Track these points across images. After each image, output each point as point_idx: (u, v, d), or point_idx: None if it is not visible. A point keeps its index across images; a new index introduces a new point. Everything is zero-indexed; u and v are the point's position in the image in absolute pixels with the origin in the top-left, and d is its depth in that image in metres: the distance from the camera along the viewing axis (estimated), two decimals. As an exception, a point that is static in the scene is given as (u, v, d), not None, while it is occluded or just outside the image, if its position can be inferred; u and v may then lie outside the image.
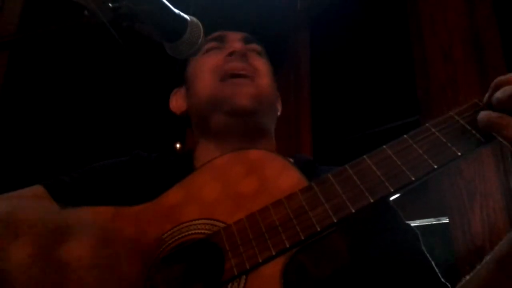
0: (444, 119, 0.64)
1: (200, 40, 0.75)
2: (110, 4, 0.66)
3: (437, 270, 0.79)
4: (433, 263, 0.80)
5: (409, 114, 2.06)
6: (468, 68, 1.86)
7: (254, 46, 1.06)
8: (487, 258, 0.67)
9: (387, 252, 0.79)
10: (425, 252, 0.82)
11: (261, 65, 1.02)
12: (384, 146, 0.65)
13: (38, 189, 0.89)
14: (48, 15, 2.17)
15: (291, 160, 0.97)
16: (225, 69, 0.96)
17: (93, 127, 2.32)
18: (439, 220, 1.82)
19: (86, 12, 0.66)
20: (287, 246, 0.60)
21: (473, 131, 0.61)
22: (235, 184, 0.71)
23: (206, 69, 0.99)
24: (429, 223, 1.83)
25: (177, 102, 1.09)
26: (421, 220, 1.83)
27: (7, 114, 2.11)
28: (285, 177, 0.68)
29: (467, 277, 0.70)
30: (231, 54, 0.98)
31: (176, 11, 0.73)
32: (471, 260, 1.58)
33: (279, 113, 1.12)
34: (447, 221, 1.73)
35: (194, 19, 0.75)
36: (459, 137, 0.61)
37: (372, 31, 2.38)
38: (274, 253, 0.60)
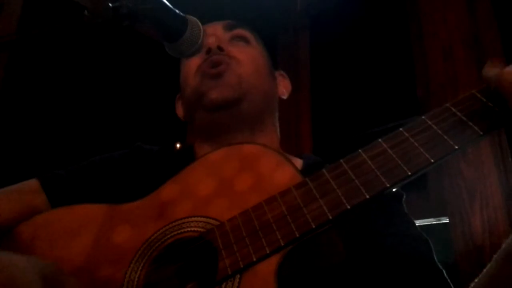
0: (441, 111, 0.63)
1: (200, 40, 0.75)
2: (110, 4, 0.66)
3: (449, 280, 0.76)
4: (444, 272, 0.77)
5: (409, 114, 2.05)
6: (468, 68, 1.86)
7: (239, 31, 1.03)
8: (497, 253, 0.65)
9: (395, 256, 0.77)
10: (436, 261, 0.79)
11: (242, 53, 0.98)
12: (380, 140, 0.63)
13: (33, 184, 0.89)
14: (48, 15, 2.17)
15: (299, 159, 0.97)
16: (203, 68, 0.95)
17: (93, 128, 2.32)
18: (439, 220, 1.82)
19: (86, 12, 0.66)
20: (282, 244, 0.59)
21: (470, 123, 0.59)
22: (229, 180, 0.70)
23: (190, 73, 0.99)
24: (429, 223, 1.83)
25: (179, 108, 1.10)
26: (421, 220, 1.83)
27: (7, 114, 2.11)
28: (280, 173, 0.67)
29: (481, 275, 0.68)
30: (208, 52, 0.95)
31: (176, 11, 0.73)
32: (471, 260, 1.58)
33: (284, 96, 1.09)
34: (447, 221, 1.73)
35: (194, 18, 0.75)
36: (456, 130, 0.60)
37: (372, 31, 2.38)
38: (268, 252, 0.59)
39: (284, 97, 1.09)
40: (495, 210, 1.61)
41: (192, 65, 0.99)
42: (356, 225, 0.76)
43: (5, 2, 2.22)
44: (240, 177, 0.69)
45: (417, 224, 0.86)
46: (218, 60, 0.94)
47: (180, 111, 1.09)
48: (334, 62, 2.52)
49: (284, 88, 1.10)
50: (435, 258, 0.80)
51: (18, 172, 0.90)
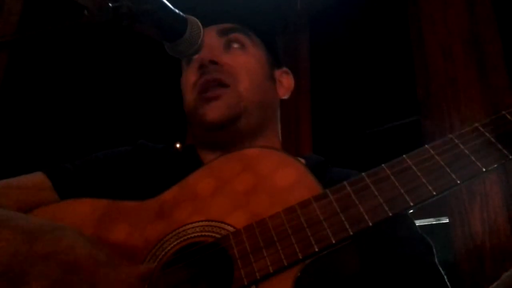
0: (469, 131, 0.61)
1: (200, 40, 0.75)
2: (110, 4, 0.66)
3: (448, 284, 0.76)
4: (445, 277, 0.77)
5: (409, 114, 2.06)
6: (468, 68, 1.86)
7: (234, 36, 0.99)
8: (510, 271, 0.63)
9: (397, 263, 0.77)
10: (437, 264, 0.79)
11: (238, 63, 0.95)
12: (404, 156, 0.61)
13: (39, 176, 0.88)
14: (48, 15, 2.18)
15: (302, 159, 0.96)
16: (198, 87, 0.93)
17: (93, 128, 2.32)
18: (439, 220, 1.82)
19: (86, 12, 0.66)
20: (300, 257, 0.58)
21: (499, 145, 0.57)
22: (231, 182, 0.70)
23: (187, 86, 0.97)
24: (429, 223, 1.83)
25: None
26: (421, 220, 1.83)
27: (7, 114, 2.11)
28: (282, 174, 0.67)
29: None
30: (200, 67, 0.93)
31: (176, 10, 0.73)
32: (471, 260, 1.58)
33: (286, 96, 1.06)
34: (447, 221, 1.73)
35: (194, 18, 0.75)
36: (484, 151, 0.58)
37: (372, 31, 2.38)
38: (286, 264, 0.58)
39: (286, 97, 1.06)
40: (495, 210, 1.61)
41: (188, 78, 0.97)
42: (368, 235, 0.75)
43: (5, 2, 2.22)
44: (242, 179, 0.69)
45: (417, 224, 0.86)
46: (211, 79, 0.92)
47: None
48: (334, 62, 2.52)
49: (285, 87, 1.07)
50: (437, 262, 0.79)
51: (19, 173, 0.89)
